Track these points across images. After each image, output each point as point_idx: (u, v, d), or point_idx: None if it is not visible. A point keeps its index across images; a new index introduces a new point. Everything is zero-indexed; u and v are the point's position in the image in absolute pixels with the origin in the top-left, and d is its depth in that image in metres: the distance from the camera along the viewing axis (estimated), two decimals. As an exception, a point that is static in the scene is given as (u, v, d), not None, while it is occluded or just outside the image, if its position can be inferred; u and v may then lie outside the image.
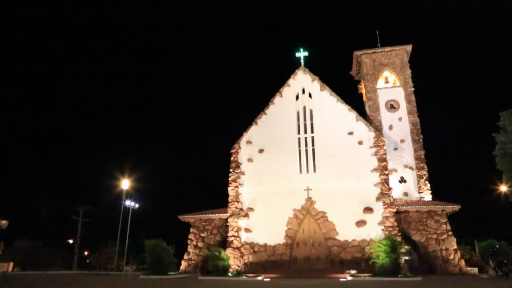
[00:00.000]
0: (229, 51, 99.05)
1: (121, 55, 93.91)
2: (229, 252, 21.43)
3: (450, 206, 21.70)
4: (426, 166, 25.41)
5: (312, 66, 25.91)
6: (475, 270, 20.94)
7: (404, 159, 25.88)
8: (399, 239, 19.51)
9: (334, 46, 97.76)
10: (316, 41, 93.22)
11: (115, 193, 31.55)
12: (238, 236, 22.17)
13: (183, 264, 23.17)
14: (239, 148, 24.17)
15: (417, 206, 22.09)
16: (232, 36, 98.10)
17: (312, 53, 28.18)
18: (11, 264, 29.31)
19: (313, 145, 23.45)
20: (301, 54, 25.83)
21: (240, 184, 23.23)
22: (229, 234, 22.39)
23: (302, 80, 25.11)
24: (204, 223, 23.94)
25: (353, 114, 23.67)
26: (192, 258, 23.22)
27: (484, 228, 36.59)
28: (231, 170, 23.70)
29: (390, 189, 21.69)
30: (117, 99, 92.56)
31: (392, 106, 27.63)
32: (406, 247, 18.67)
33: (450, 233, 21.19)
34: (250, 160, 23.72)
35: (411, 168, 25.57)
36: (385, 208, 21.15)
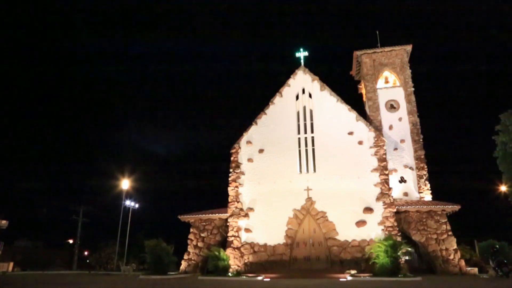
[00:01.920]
0: (229, 50, 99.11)
1: (121, 54, 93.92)
2: (229, 252, 21.44)
3: (450, 206, 21.70)
4: (426, 166, 25.40)
5: (312, 66, 25.94)
6: (475, 270, 20.95)
7: (404, 159, 25.88)
8: (399, 239, 19.52)
9: (334, 46, 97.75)
10: (316, 41, 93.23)
11: (115, 193, 31.60)
12: (238, 236, 22.18)
13: (183, 264, 23.18)
14: (239, 148, 24.18)
15: (417, 206, 22.09)
16: (232, 35, 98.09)
17: (312, 53, 28.14)
18: (11, 264, 29.27)
19: (313, 145, 23.45)
20: (301, 54, 25.83)
21: (240, 184, 23.24)
22: (229, 234, 22.40)
23: (302, 80, 25.12)
24: (204, 223, 23.95)
25: (353, 114, 23.67)
26: (192, 258, 23.23)
27: (484, 228, 36.66)
28: (231, 170, 23.70)
29: (390, 189, 21.69)
30: (117, 99, 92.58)
31: (392, 106, 27.64)
32: (409, 248, 18.64)
33: (450, 233, 21.20)
34: (250, 160, 23.72)
35: (411, 168, 25.57)
36: (385, 208, 21.15)
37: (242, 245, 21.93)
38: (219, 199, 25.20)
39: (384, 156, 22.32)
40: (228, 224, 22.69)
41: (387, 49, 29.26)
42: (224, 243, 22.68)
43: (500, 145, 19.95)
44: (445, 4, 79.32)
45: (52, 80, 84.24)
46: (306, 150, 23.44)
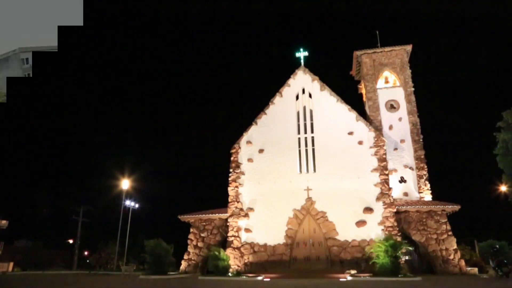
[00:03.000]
0: (229, 51, 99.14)
1: (122, 54, 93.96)
2: (229, 252, 21.43)
3: (450, 206, 21.70)
4: (426, 166, 25.41)
5: (312, 66, 25.97)
6: (475, 270, 20.96)
7: (404, 159, 25.87)
8: (399, 239, 19.51)
9: (334, 46, 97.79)
10: (316, 41, 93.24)
11: (115, 193, 31.51)
12: (238, 236, 22.17)
13: (183, 264, 23.18)
14: (239, 148, 24.17)
15: (417, 206, 22.10)
16: (232, 36, 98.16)
17: (312, 53, 28.17)
18: (11, 264, 29.25)
19: (313, 145, 23.45)
20: (301, 54, 25.83)
21: (240, 184, 23.23)
22: (229, 234, 22.40)
23: (302, 80, 25.11)
24: (204, 223, 23.95)
25: (353, 114, 23.67)
26: (192, 258, 23.23)
27: (484, 228, 36.61)
28: (231, 170, 23.70)
29: (390, 189, 21.68)
30: (117, 99, 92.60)
31: (392, 106, 27.64)
32: (410, 248, 18.62)
33: (450, 233, 21.20)
34: (250, 160, 23.72)
35: (411, 168, 25.57)
36: (385, 208, 21.15)
37: (242, 245, 21.93)
38: (219, 199, 25.23)
39: (384, 156, 22.31)
40: (228, 224, 22.68)
41: (387, 49, 29.26)
42: (224, 243, 22.68)
43: (501, 142, 19.81)
44: (445, 4, 79.34)
45: (51, 77, 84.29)
46: (306, 150, 23.43)
